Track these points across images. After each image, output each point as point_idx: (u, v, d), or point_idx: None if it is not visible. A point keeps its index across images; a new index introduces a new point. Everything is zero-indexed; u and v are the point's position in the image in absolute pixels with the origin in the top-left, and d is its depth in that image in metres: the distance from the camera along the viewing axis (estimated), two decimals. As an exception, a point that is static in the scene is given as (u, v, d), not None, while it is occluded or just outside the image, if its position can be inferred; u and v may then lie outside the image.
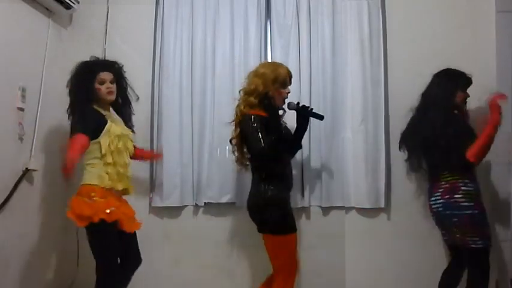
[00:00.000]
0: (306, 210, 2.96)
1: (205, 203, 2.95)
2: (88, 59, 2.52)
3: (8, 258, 2.39)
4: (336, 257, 2.93)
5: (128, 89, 2.60)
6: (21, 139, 2.51)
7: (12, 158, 2.46)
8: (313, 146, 2.94)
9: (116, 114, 2.54)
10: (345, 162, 2.96)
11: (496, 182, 2.61)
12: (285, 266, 2.32)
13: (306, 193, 2.93)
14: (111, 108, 2.52)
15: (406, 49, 2.97)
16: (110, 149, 2.35)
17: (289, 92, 2.49)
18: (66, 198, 2.70)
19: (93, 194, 2.30)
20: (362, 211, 2.94)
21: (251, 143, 2.32)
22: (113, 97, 2.47)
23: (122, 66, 2.57)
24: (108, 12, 3.07)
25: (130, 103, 2.61)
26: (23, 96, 2.51)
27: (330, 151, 2.95)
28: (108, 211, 2.28)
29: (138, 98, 2.73)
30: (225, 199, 2.91)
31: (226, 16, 3.03)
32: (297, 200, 2.90)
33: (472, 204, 2.34)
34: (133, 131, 2.58)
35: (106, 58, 2.78)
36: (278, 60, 2.97)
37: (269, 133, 2.29)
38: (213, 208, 2.93)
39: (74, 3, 2.81)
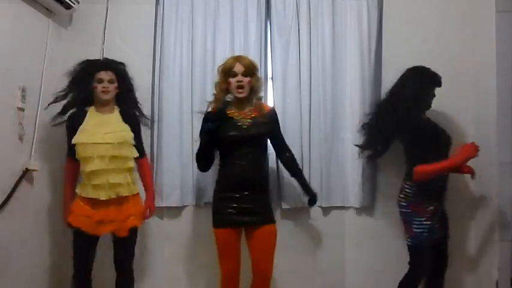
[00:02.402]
0: (306, 210, 2.96)
1: (205, 203, 2.95)
2: (90, 58, 2.58)
3: (8, 258, 2.39)
4: (336, 257, 2.93)
5: (133, 90, 2.65)
6: (21, 139, 2.51)
7: (12, 158, 2.46)
8: (313, 146, 2.95)
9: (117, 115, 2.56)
10: (345, 162, 2.96)
11: (497, 181, 2.61)
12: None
13: (306, 193, 2.93)
14: (116, 108, 2.57)
15: (405, 49, 2.97)
16: (81, 155, 2.42)
17: (239, 81, 2.44)
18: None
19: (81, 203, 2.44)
20: (362, 211, 2.94)
21: None
22: (107, 96, 2.49)
23: (125, 66, 2.61)
24: (107, 12, 3.07)
25: (134, 104, 2.65)
26: (23, 96, 2.51)
27: (330, 151, 2.95)
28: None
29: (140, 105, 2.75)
30: (225, 199, 2.91)
31: (226, 16, 3.03)
32: (297, 200, 2.90)
33: (406, 204, 2.50)
34: (135, 132, 2.55)
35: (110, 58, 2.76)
36: (278, 60, 2.98)
37: None
38: (213, 208, 2.93)
39: (74, 3, 2.81)
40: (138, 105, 2.69)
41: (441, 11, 3.00)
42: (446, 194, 2.59)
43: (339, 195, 2.94)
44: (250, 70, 2.46)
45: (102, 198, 2.39)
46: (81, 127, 2.45)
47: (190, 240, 2.98)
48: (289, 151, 2.64)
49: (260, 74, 2.64)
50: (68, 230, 2.54)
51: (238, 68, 2.44)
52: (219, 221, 2.42)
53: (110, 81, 2.50)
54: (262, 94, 2.65)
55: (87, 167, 2.39)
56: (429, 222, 2.45)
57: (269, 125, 2.50)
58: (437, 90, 2.65)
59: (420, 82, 2.54)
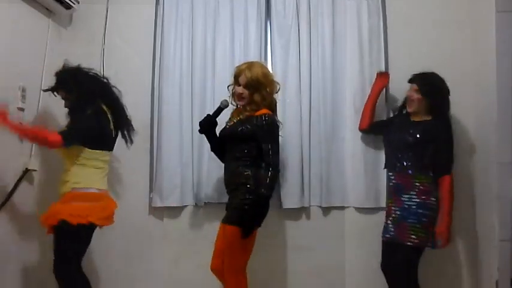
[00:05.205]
0: (306, 210, 2.96)
1: (205, 203, 2.96)
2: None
3: (8, 258, 2.39)
4: (336, 257, 2.93)
5: (79, 94, 2.42)
6: (21, 139, 2.51)
7: (12, 158, 2.46)
8: (313, 146, 2.95)
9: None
10: (345, 162, 2.96)
11: (496, 181, 2.61)
12: None
13: (306, 193, 2.93)
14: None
15: (405, 49, 2.97)
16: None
17: (240, 93, 2.45)
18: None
19: None
20: (362, 211, 2.94)
21: None
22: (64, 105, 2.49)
23: (64, 71, 2.46)
24: (108, 12, 3.07)
25: (73, 111, 2.45)
26: (23, 96, 2.51)
27: (330, 151, 2.95)
28: None
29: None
30: (225, 199, 2.90)
31: (226, 16, 3.03)
32: (297, 200, 2.90)
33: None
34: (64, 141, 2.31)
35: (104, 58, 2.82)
36: (278, 60, 2.99)
37: None
38: (213, 208, 2.92)
39: (74, 3, 2.81)
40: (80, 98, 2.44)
41: (441, 11, 2.99)
42: None
43: (338, 195, 2.94)
44: (253, 85, 2.42)
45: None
46: None
47: (190, 240, 2.98)
48: (266, 166, 2.36)
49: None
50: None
51: (242, 79, 2.44)
52: None
53: (63, 98, 2.48)
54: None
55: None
56: None
57: (249, 128, 2.40)
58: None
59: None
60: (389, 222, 2.60)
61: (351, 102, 2.97)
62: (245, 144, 2.42)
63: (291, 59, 2.98)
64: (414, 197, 2.52)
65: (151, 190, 2.99)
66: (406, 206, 2.53)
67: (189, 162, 2.95)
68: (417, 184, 2.54)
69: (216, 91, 2.96)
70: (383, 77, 2.87)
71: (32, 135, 2.38)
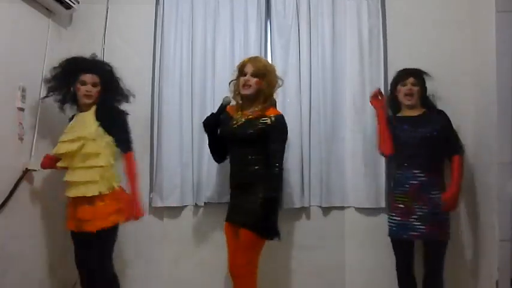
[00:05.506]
0: (306, 210, 2.96)
1: (205, 203, 2.96)
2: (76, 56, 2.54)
3: (8, 259, 2.39)
4: (336, 257, 2.93)
5: (120, 92, 2.55)
6: (21, 139, 2.51)
7: (12, 158, 2.46)
8: (313, 146, 2.95)
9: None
10: (345, 162, 2.96)
11: (496, 181, 2.61)
12: None
13: (306, 193, 2.93)
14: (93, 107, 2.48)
15: (405, 49, 2.97)
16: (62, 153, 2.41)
17: (246, 80, 2.44)
18: (66, 198, 2.71)
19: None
20: (362, 211, 2.94)
21: None
22: (89, 101, 2.46)
23: (112, 69, 2.55)
24: (108, 12, 3.08)
25: (113, 108, 2.51)
26: (23, 96, 2.51)
27: (330, 151, 2.95)
28: None
29: (134, 96, 2.63)
30: (225, 199, 2.90)
31: (226, 16, 3.03)
32: (297, 200, 2.90)
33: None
34: (107, 127, 2.43)
35: (104, 58, 2.82)
36: (278, 60, 2.99)
37: None
38: (213, 208, 2.93)
39: (74, 3, 2.81)
40: (118, 99, 2.56)
41: (441, 11, 2.99)
42: None
43: (338, 195, 2.94)
44: (260, 72, 2.44)
45: (69, 196, 2.42)
46: (68, 125, 2.52)
47: (190, 240, 2.98)
48: (274, 167, 2.36)
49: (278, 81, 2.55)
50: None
51: (249, 68, 2.46)
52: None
53: (94, 85, 2.46)
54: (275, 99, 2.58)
55: (72, 163, 2.42)
56: None
57: (260, 128, 2.39)
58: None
59: None
60: (412, 220, 2.55)
61: (351, 102, 2.97)
62: (256, 145, 2.41)
63: (291, 59, 2.98)
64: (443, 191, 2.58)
65: (151, 190, 2.99)
66: (437, 202, 2.54)
67: (189, 162, 2.95)
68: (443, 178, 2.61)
69: (216, 91, 2.96)
70: (378, 96, 2.72)
71: (136, 180, 2.51)
